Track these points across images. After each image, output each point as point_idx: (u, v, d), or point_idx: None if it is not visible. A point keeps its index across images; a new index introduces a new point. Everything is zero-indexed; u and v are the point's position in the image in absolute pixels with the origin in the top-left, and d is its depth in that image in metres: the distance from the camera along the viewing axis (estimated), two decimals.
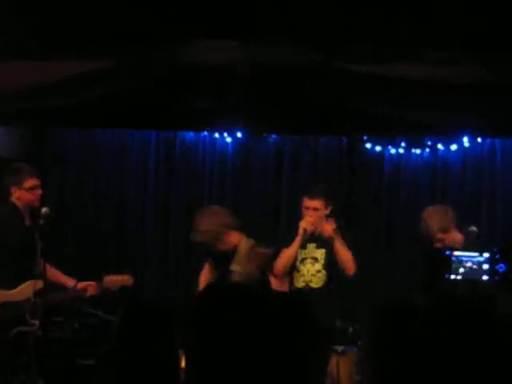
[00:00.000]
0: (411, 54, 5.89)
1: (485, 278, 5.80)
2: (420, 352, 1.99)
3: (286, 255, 6.45)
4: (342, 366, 6.61)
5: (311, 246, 6.52)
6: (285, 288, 6.51)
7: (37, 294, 6.00)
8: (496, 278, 5.78)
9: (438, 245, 6.30)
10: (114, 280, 6.43)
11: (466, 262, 5.88)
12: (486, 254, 5.83)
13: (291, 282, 6.51)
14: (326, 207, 6.47)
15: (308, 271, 6.48)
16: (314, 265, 6.47)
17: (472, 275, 5.82)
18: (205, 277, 6.66)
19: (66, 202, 8.44)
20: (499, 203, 7.97)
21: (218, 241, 6.42)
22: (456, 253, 5.92)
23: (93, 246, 7.92)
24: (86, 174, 8.57)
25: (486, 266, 5.83)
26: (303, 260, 6.50)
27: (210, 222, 6.43)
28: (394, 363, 2.02)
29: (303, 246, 6.50)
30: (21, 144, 8.16)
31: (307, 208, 6.47)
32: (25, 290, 6.00)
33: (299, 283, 6.49)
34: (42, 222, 5.98)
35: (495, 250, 5.88)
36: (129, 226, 8.55)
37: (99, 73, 6.47)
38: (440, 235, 6.31)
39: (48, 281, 6.08)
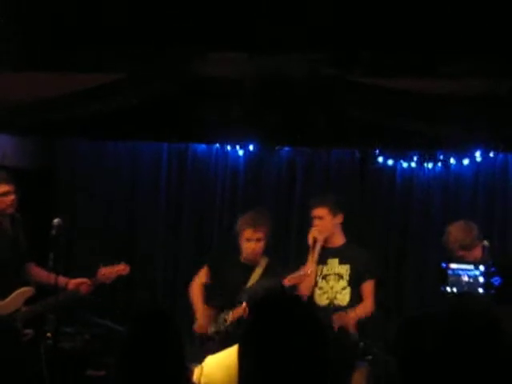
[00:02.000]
0: (424, 67, 5.88)
1: (480, 291, 5.78)
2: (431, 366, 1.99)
3: (305, 273, 6.25)
4: (353, 380, 6.56)
5: (333, 262, 6.41)
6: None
7: (27, 302, 5.97)
8: (491, 291, 5.75)
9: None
10: (109, 271, 6.27)
11: (462, 275, 5.86)
12: (482, 267, 5.81)
13: (312, 299, 6.36)
14: (334, 216, 6.38)
15: (332, 288, 6.36)
16: (338, 281, 6.36)
17: (468, 288, 5.80)
18: (199, 284, 6.58)
19: (77, 214, 8.45)
20: (511, 216, 7.94)
21: (260, 241, 6.35)
22: (452, 266, 5.90)
23: (104, 258, 7.91)
24: (97, 186, 8.57)
25: (481, 279, 5.81)
26: (325, 276, 6.38)
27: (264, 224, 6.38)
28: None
29: (323, 262, 6.39)
30: (33, 155, 8.19)
31: (313, 217, 6.41)
32: (14, 300, 5.94)
33: (322, 300, 6.38)
34: (53, 232, 5.97)
35: (490, 263, 5.85)
36: (140, 238, 8.56)
37: (111, 85, 6.49)
38: (461, 252, 6.22)
39: (40, 284, 6.07)
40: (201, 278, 6.63)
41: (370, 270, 6.41)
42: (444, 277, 5.88)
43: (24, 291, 5.98)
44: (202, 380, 4.47)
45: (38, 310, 6.05)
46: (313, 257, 6.33)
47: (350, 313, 6.21)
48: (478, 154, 7.92)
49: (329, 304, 6.36)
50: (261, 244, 6.35)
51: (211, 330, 6.29)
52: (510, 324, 2.15)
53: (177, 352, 3.16)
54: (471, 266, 5.85)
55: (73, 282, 6.19)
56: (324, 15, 5.57)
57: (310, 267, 6.30)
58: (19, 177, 6.34)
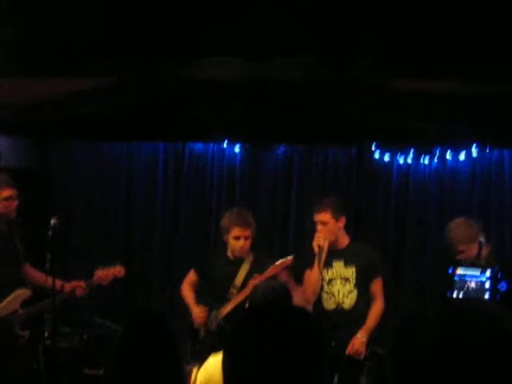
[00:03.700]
0: (419, 68, 5.89)
1: (486, 296, 5.79)
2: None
3: (312, 279, 6.28)
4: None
5: (339, 265, 6.38)
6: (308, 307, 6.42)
7: (24, 303, 5.97)
8: (497, 296, 5.76)
9: (460, 256, 6.22)
10: (106, 274, 6.26)
11: (469, 280, 5.87)
12: (488, 273, 5.82)
13: (319, 303, 6.36)
14: (337, 219, 6.34)
15: (339, 291, 6.35)
16: (345, 285, 6.34)
17: (474, 294, 5.80)
18: (189, 285, 6.68)
19: (73, 213, 8.46)
20: (508, 213, 7.95)
21: (246, 239, 6.41)
22: (458, 271, 5.91)
23: (101, 257, 7.93)
24: (93, 186, 8.58)
25: (487, 285, 5.82)
26: (331, 280, 6.36)
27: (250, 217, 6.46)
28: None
29: (329, 264, 6.36)
30: (28, 156, 8.20)
31: (316, 223, 6.36)
32: (11, 302, 5.94)
33: (329, 305, 6.36)
34: (50, 233, 5.96)
35: (497, 268, 5.85)
36: (137, 236, 8.57)
37: (107, 86, 6.49)
38: (462, 247, 6.23)
39: (36, 286, 6.07)
40: (190, 278, 6.73)
41: (376, 267, 6.44)
42: (450, 282, 5.89)
43: (21, 293, 5.98)
44: (204, 379, 4.49)
45: (35, 312, 6.05)
46: (319, 263, 6.30)
47: (362, 336, 6.25)
48: (473, 150, 7.94)
49: (336, 308, 6.35)
50: (249, 242, 6.44)
51: (201, 332, 6.40)
52: None
53: (172, 353, 3.18)
54: (478, 272, 5.86)
55: (68, 285, 6.17)
56: (317, 18, 5.57)
57: (314, 273, 6.32)
58: (15, 177, 6.30)
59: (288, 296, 4.86)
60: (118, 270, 6.31)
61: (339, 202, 6.56)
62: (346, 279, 6.35)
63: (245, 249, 6.45)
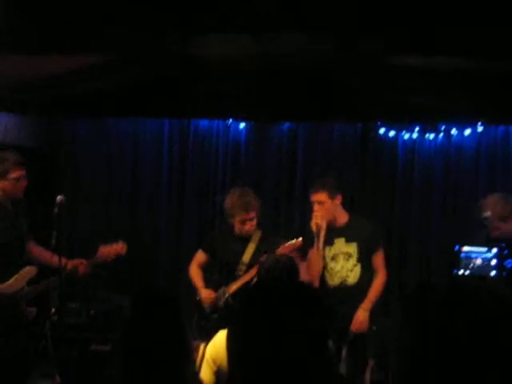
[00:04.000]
0: (425, 45, 5.86)
1: (493, 273, 5.80)
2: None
3: (314, 258, 6.37)
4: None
5: (340, 242, 6.45)
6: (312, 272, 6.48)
7: (30, 281, 6.00)
8: (504, 273, 5.78)
9: (495, 233, 6.23)
10: (108, 250, 6.23)
11: (475, 257, 5.88)
12: (495, 250, 5.83)
13: (324, 280, 6.43)
14: (333, 199, 6.41)
15: (343, 267, 6.42)
16: (348, 260, 6.42)
17: (480, 271, 5.82)
18: (197, 265, 6.72)
19: (79, 190, 8.47)
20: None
21: (250, 220, 6.42)
22: (465, 248, 5.92)
23: (106, 233, 7.95)
24: (99, 162, 8.59)
25: (494, 262, 5.83)
26: (335, 257, 6.44)
27: (252, 197, 6.46)
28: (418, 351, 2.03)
29: (330, 243, 6.43)
30: (34, 133, 8.19)
31: (313, 202, 6.44)
32: (19, 280, 5.96)
33: (334, 281, 6.43)
34: (56, 210, 5.97)
35: (503, 245, 5.87)
36: (143, 213, 8.59)
37: (112, 62, 6.48)
38: (498, 223, 6.25)
39: (41, 263, 6.09)
40: (198, 259, 6.75)
41: (376, 240, 6.49)
42: (456, 260, 5.91)
43: (27, 271, 6.00)
44: (213, 354, 4.52)
45: (41, 290, 6.08)
46: (318, 242, 6.36)
47: (364, 310, 6.31)
48: (479, 126, 7.92)
49: (340, 284, 6.42)
50: (254, 221, 6.47)
51: (207, 308, 6.43)
52: None
53: (179, 329, 3.19)
54: (484, 249, 5.88)
55: (70, 263, 6.14)
56: None
57: (315, 248, 6.37)
58: (21, 155, 6.30)
59: (295, 272, 4.88)
60: (120, 247, 6.30)
61: (334, 181, 6.62)
62: (349, 255, 6.42)
63: (251, 229, 6.47)
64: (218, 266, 6.62)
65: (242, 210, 6.39)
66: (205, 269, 6.74)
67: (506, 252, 5.79)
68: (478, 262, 5.85)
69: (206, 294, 6.51)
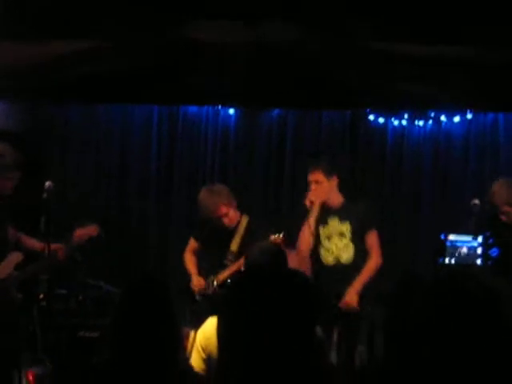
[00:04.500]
0: (413, 32, 5.87)
1: (478, 262, 5.83)
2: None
3: (305, 234, 6.42)
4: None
5: (334, 221, 6.51)
6: (305, 265, 6.53)
7: (17, 267, 5.99)
8: (489, 262, 5.80)
9: (503, 217, 6.21)
10: (82, 233, 6.27)
11: (460, 246, 5.91)
12: (480, 239, 5.85)
13: (318, 259, 6.51)
14: (329, 179, 6.45)
15: (337, 246, 6.48)
16: (341, 240, 6.48)
17: (465, 260, 5.85)
18: (191, 252, 6.77)
19: (67, 177, 8.44)
20: (502, 175, 7.96)
21: (224, 216, 6.47)
22: (450, 237, 5.95)
23: (95, 221, 7.94)
24: (87, 149, 8.55)
25: (479, 251, 5.86)
26: (329, 237, 6.49)
27: (215, 198, 6.49)
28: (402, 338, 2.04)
29: (324, 222, 6.49)
30: (22, 119, 8.16)
31: (310, 182, 6.47)
32: (5, 266, 5.96)
33: (328, 260, 6.49)
34: (45, 196, 5.96)
35: (488, 234, 5.88)
36: (131, 199, 8.57)
37: (101, 49, 6.45)
38: (506, 208, 6.22)
39: (26, 250, 6.09)
40: (191, 246, 6.83)
41: (369, 220, 6.53)
42: (442, 248, 5.93)
43: (13, 257, 5.99)
44: (203, 341, 4.53)
45: (29, 273, 6.07)
46: (312, 216, 6.40)
47: (354, 289, 6.33)
48: (468, 113, 7.94)
49: (335, 263, 6.47)
50: (231, 215, 6.56)
51: (196, 296, 6.46)
52: (507, 294, 2.16)
53: (169, 316, 3.19)
54: (469, 238, 5.90)
55: (51, 249, 6.10)
56: None
57: (307, 228, 6.40)
58: (9, 140, 6.27)
59: (282, 258, 4.88)
60: (92, 230, 6.33)
61: (331, 161, 6.70)
62: (342, 234, 6.48)
63: (232, 222, 6.57)
64: (207, 254, 6.67)
65: (209, 211, 6.51)
66: (199, 256, 6.78)
67: (491, 241, 5.82)
68: (464, 250, 5.89)
69: (196, 281, 6.58)
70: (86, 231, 6.31)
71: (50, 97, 7.75)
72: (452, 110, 7.98)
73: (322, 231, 6.50)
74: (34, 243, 6.17)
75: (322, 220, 6.49)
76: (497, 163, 7.97)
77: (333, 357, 6.24)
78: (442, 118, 8.10)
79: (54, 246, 6.12)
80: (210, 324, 4.55)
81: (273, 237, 6.24)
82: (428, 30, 5.87)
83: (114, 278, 7.06)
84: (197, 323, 4.92)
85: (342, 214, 6.50)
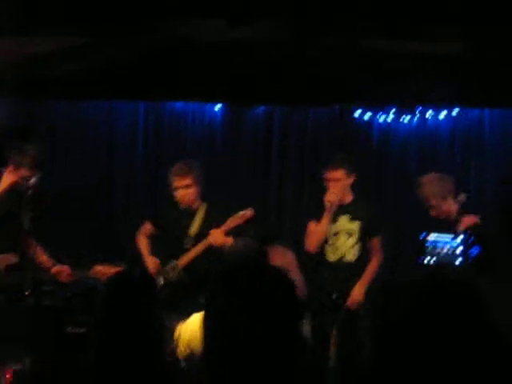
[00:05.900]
0: (401, 28, 5.90)
1: (458, 262, 5.84)
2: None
3: (318, 231, 6.46)
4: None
5: (344, 219, 6.54)
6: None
7: (8, 268, 5.98)
8: (469, 261, 5.81)
9: (433, 212, 6.27)
10: (101, 272, 6.23)
11: (440, 245, 5.93)
12: (460, 238, 5.86)
13: (322, 255, 6.53)
14: (348, 177, 6.51)
15: (344, 244, 6.51)
16: (348, 239, 6.51)
17: (445, 259, 5.86)
18: (144, 235, 6.67)
19: (54, 173, 8.42)
20: (487, 171, 8.01)
21: (179, 188, 6.40)
22: (430, 236, 5.96)
23: (81, 217, 7.93)
24: (74, 145, 8.55)
25: (459, 250, 5.87)
26: (336, 233, 6.51)
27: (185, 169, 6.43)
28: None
29: (334, 219, 6.50)
30: (10, 113, 8.13)
31: (329, 180, 6.49)
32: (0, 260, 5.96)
33: (332, 257, 6.51)
34: (30, 192, 5.96)
35: (469, 233, 5.89)
36: (118, 196, 8.56)
37: (87, 45, 6.45)
38: (434, 201, 6.26)
39: (28, 255, 6.08)
40: (145, 229, 6.70)
41: (378, 225, 6.62)
42: (422, 248, 5.95)
43: (7, 256, 5.99)
44: (186, 337, 4.53)
45: (15, 279, 6.07)
46: (327, 217, 6.44)
47: (360, 288, 6.41)
48: (454, 109, 7.97)
49: (338, 260, 6.50)
50: (191, 190, 6.40)
51: (160, 281, 6.38)
52: (488, 293, 2.18)
53: (154, 310, 3.21)
54: (449, 237, 5.91)
55: (55, 269, 6.21)
56: None
57: (321, 227, 6.44)
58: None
59: (261, 254, 4.91)
60: (113, 270, 6.31)
61: (351, 159, 6.70)
62: (351, 233, 6.51)
63: (187, 198, 6.43)
64: (165, 239, 6.57)
65: (175, 175, 6.39)
66: (153, 240, 6.67)
67: (470, 240, 5.82)
68: (444, 250, 5.90)
69: (150, 262, 6.47)
70: (106, 270, 6.22)
71: (34, 94, 7.74)
72: (438, 106, 8.00)
73: (330, 228, 6.52)
74: (44, 259, 6.17)
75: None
76: (482, 158, 8.01)
77: (332, 355, 6.30)
78: (428, 113, 8.12)
79: (60, 267, 6.22)
80: (195, 320, 4.56)
81: (241, 212, 6.24)
82: (415, 27, 5.90)
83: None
84: (168, 309, 4.88)
85: (353, 212, 6.54)
